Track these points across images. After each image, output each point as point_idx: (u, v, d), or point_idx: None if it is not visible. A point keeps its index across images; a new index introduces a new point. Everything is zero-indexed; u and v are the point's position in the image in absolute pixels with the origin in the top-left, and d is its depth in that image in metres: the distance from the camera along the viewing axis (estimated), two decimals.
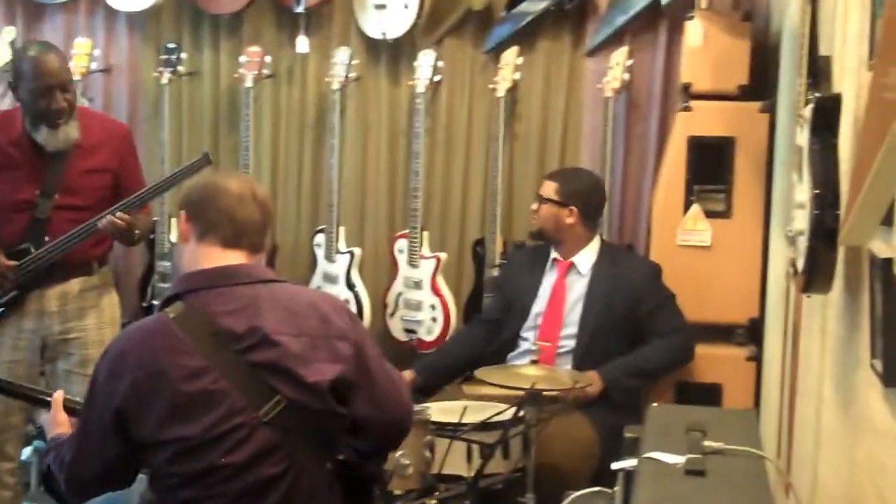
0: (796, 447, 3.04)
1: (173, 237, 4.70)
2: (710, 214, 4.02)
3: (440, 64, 4.54)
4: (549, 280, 3.97)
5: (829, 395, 2.57)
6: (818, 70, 2.37)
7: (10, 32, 4.87)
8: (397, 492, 3.12)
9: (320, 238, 4.70)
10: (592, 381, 3.64)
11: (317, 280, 4.71)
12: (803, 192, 2.28)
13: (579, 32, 4.52)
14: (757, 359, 4.01)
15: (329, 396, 2.27)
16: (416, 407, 2.93)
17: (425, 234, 4.59)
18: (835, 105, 2.26)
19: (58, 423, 2.49)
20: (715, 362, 4.02)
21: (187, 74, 4.84)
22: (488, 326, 4.11)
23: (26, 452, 4.11)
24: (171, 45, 4.77)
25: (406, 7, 4.53)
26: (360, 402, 2.34)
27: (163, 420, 2.22)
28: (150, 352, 2.25)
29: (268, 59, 4.68)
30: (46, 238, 3.59)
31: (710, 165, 4.03)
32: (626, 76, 4.24)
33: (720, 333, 4.09)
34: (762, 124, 3.96)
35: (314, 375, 2.26)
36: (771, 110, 3.94)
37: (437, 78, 4.54)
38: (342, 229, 4.69)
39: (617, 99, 4.27)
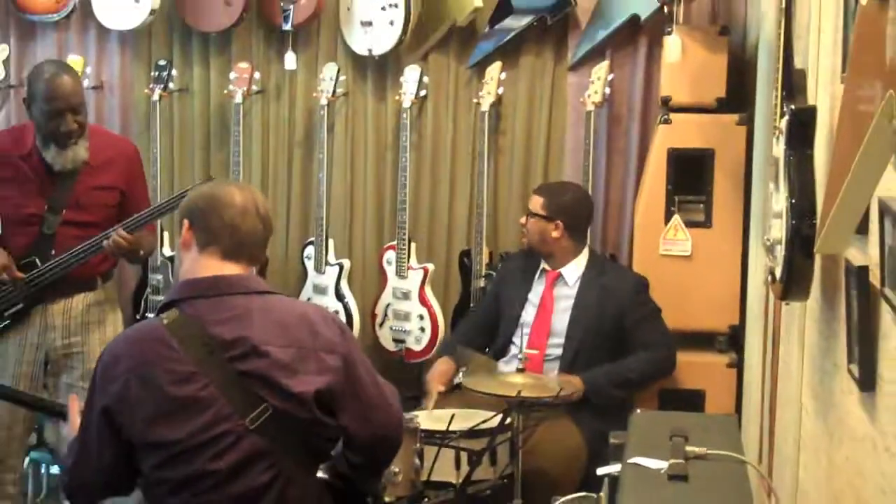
0: (777, 451, 3.06)
1: (166, 251, 4.74)
2: (690, 224, 4.07)
3: (425, 79, 4.57)
4: (537, 289, 4.02)
5: (808, 400, 2.60)
6: (793, 83, 2.40)
7: (3, 51, 4.87)
8: (387, 499, 3.11)
9: (310, 250, 4.73)
10: (576, 387, 3.68)
11: (307, 292, 4.74)
12: (780, 201, 2.31)
13: (561, 48, 4.56)
14: (738, 365, 4.06)
15: (314, 407, 2.30)
16: (406, 416, 2.96)
17: (413, 245, 4.63)
18: (810, 117, 2.29)
19: (77, 427, 2.49)
20: (697, 369, 4.06)
21: (178, 91, 4.85)
22: (481, 332, 4.16)
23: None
24: (162, 63, 4.77)
25: (392, 24, 4.55)
26: (348, 415, 2.37)
27: (150, 422, 2.25)
28: (141, 355, 2.29)
29: (257, 75, 4.72)
30: (52, 252, 3.60)
31: (690, 177, 4.08)
32: (607, 90, 4.29)
33: (702, 341, 4.13)
34: (740, 136, 4.01)
35: (300, 386, 2.29)
36: (748, 122, 3.98)
37: (422, 93, 4.58)
38: (331, 241, 4.72)
39: (598, 112, 4.33)
